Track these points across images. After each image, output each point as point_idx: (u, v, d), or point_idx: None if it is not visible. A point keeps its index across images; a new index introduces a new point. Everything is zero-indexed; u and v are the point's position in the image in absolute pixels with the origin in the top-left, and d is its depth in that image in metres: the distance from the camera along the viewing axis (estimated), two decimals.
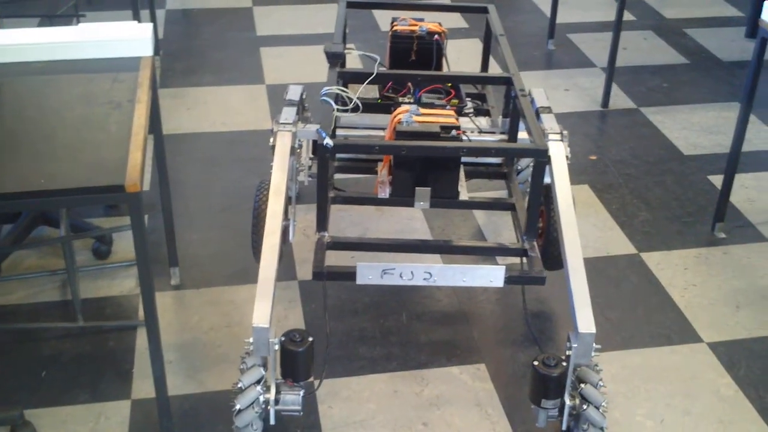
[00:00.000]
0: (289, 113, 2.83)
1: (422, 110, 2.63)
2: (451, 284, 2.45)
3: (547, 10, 5.08)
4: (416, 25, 3.12)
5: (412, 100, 3.00)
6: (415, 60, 3.10)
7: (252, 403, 2.18)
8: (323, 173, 2.51)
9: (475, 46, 4.81)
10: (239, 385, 2.18)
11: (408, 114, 2.59)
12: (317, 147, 2.47)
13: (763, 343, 2.83)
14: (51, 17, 4.51)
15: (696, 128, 4.13)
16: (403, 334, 2.83)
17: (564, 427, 2.30)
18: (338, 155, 2.96)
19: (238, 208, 3.43)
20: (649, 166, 3.80)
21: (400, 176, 2.59)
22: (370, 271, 2.39)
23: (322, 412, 2.53)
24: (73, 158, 2.04)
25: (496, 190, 3.50)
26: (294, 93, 2.97)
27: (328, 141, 2.42)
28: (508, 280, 2.42)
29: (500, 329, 2.87)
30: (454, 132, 2.55)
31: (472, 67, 4.43)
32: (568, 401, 2.23)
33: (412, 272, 2.39)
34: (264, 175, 3.60)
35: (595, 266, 3.13)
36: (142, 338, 2.75)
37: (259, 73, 4.57)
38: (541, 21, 5.18)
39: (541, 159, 2.51)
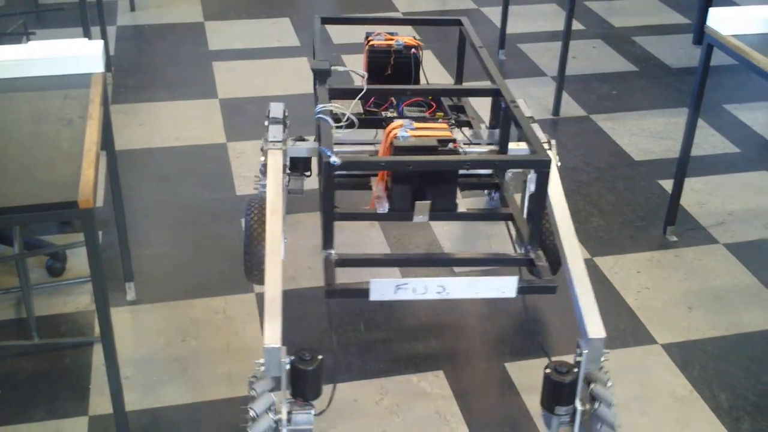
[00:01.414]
0: (276, 131, 2.86)
1: (416, 124, 2.62)
2: (463, 297, 2.44)
3: (497, 21, 5.14)
4: (392, 39, 3.14)
5: (395, 114, 3.01)
6: (393, 74, 3.11)
7: (265, 421, 2.17)
8: (328, 191, 2.48)
9: (429, 57, 4.84)
10: (251, 414, 2.16)
11: (403, 129, 2.59)
12: (322, 165, 2.43)
13: (715, 343, 2.88)
14: (0, 35, 4.47)
15: (646, 134, 4.20)
16: (361, 343, 2.84)
17: None
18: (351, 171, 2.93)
19: (193, 222, 3.42)
20: (600, 173, 3.85)
21: (399, 191, 2.58)
22: (384, 287, 2.35)
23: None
24: (26, 176, 2.02)
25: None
26: (277, 110, 2.99)
27: (334, 159, 2.40)
28: (520, 290, 2.40)
29: (458, 336, 2.89)
30: (450, 145, 2.56)
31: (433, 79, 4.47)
32: (579, 407, 2.25)
33: (425, 286, 2.36)
34: (221, 190, 3.63)
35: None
36: (98, 354, 2.73)
37: (212, 87, 4.57)
38: (491, 32, 5.24)
39: (545, 169, 2.52)
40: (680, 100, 4.52)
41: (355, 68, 3.07)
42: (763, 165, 3.95)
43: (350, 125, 2.77)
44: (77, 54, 2.49)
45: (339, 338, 2.86)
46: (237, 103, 4.40)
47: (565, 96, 4.42)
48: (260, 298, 3.01)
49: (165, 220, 3.44)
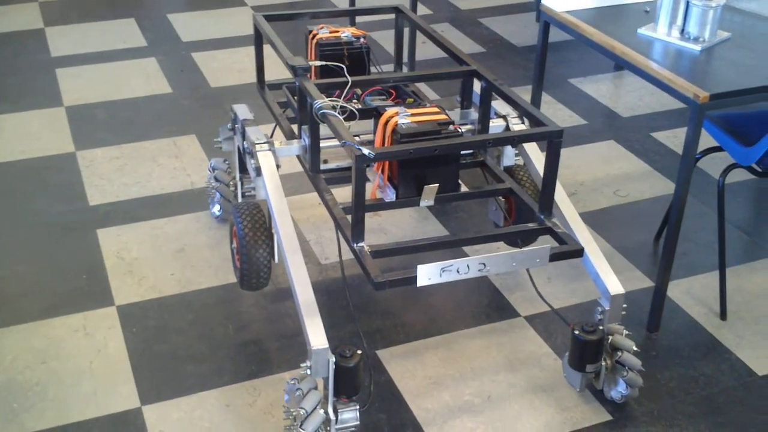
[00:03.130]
0: (256, 132, 2.85)
1: (410, 110, 2.60)
2: (503, 271, 2.53)
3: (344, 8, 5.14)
4: (337, 31, 3.11)
5: (359, 105, 2.96)
6: (347, 65, 3.06)
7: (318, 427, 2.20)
8: (361, 184, 2.41)
9: None
10: (302, 412, 2.18)
11: (401, 116, 2.55)
12: (357, 159, 2.35)
13: (574, 310, 2.98)
14: None
15: None
16: (231, 346, 2.80)
17: (601, 387, 2.55)
18: (324, 167, 2.86)
19: (45, 237, 3.30)
20: None
21: (406, 177, 2.57)
22: (430, 271, 2.35)
23: None
24: None
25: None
26: (244, 112, 2.99)
27: (369, 152, 2.34)
28: (552, 257, 2.48)
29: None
30: (450, 127, 2.56)
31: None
32: (604, 362, 2.48)
33: (468, 265, 2.39)
34: (73, 201, 3.50)
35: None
36: None
37: (57, 95, 4.41)
38: (336, 21, 5.24)
39: (558, 138, 2.52)
40: (528, 78, 4.63)
41: (328, 63, 3.03)
42: (610, 135, 4.10)
43: (349, 117, 2.76)
44: None
45: (208, 342, 2.81)
46: (84, 109, 4.26)
47: None
48: (121, 311, 2.93)
49: (16, 238, 3.31)
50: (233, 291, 3.03)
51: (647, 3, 3.20)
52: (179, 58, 4.84)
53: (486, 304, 3.01)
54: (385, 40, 5.03)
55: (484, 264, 2.40)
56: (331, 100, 2.68)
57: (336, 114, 2.58)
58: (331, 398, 2.28)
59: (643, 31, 2.93)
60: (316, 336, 2.23)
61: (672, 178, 3.72)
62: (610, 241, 3.32)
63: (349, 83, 2.82)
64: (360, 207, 2.44)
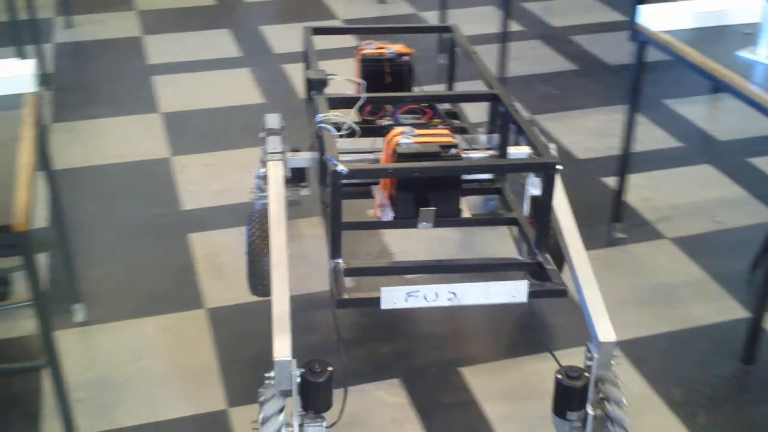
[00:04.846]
0: (275, 142, 2.85)
1: (417, 131, 2.59)
2: (474, 303, 2.42)
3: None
4: (384, 48, 3.12)
5: (392, 122, 2.98)
6: (388, 82, 3.08)
7: None
8: (336, 201, 2.44)
9: None
10: (261, 416, 2.15)
11: (405, 135, 2.57)
12: (329, 175, 2.39)
13: (666, 338, 2.91)
14: None
15: (588, 132, 4.24)
16: (316, 354, 2.81)
17: None
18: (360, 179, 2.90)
19: (140, 239, 3.38)
20: None
21: (403, 198, 2.56)
22: (395, 295, 2.33)
23: None
24: None
25: None
26: (274, 121, 2.99)
27: (341, 167, 2.37)
28: (531, 294, 2.39)
29: (412, 342, 2.89)
30: (453, 151, 2.53)
31: None
32: (591, 411, 2.25)
33: (436, 293, 2.34)
34: (167, 205, 3.58)
35: (499, 275, 3.17)
36: (49, 379, 2.67)
37: (154, 101, 4.51)
38: (431, 36, 5.25)
39: (552, 171, 2.50)
40: (620, 97, 4.57)
41: (351, 77, 3.05)
42: (705, 158, 4.01)
43: (351, 134, 2.76)
44: (7, 75, 2.45)
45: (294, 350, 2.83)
46: (179, 116, 4.36)
47: None
48: (211, 314, 2.98)
49: (112, 238, 3.39)
50: (319, 298, 3.05)
51: (748, 25, 3.13)
52: (272, 70, 4.91)
53: (574, 326, 2.97)
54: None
55: (454, 293, 2.34)
56: (334, 115, 2.68)
57: (330, 128, 2.58)
58: (296, 411, 2.22)
59: (743, 53, 2.86)
60: (281, 348, 2.17)
61: None
62: (705, 268, 3.24)
63: (362, 99, 2.80)
64: (337, 223, 2.44)
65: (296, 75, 4.83)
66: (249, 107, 4.47)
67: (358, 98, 2.82)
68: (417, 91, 3.20)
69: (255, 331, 2.90)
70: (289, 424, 2.16)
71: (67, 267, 2.87)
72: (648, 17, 3.02)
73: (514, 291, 2.37)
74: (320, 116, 2.63)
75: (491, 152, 2.94)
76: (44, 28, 5.26)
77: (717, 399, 2.67)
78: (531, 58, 5.10)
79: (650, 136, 4.19)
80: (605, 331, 2.27)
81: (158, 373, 2.73)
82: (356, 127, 2.76)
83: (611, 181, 3.69)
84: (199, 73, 4.86)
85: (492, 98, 2.91)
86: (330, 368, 2.20)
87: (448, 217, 2.59)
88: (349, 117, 2.74)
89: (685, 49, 2.89)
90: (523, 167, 2.75)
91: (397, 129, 2.59)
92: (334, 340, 2.87)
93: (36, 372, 2.71)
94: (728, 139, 4.19)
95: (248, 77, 4.81)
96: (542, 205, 2.51)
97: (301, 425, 2.22)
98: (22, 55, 4.03)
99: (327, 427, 2.23)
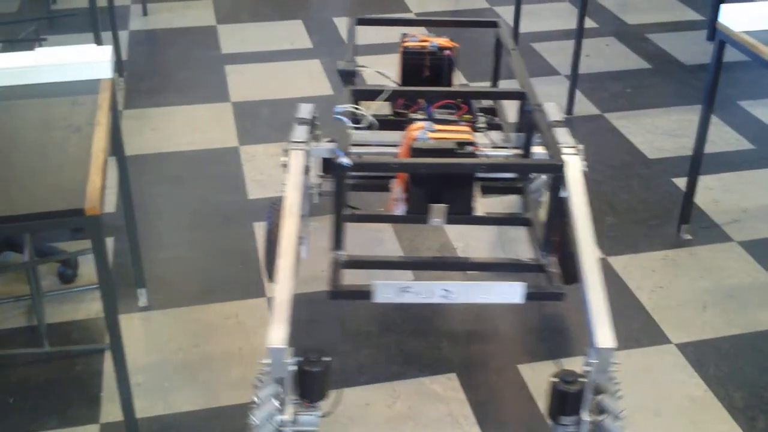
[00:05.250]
0: (301, 131, 2.84)
1: (437, 126, 2.61)
2: (470, 301, 2.42)
3: (510, 20, 5.11)
4: (427, 41, 3.12)
5: (424, 116, 2.97)
6: (427, 75, 3.09)
7: (269, 419, 2.16)
8: (339, 192, 2.47)
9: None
10: (256, 401, 2.16)
11: (423, 131, 2.57)
12: (333, 166, 2.43)
13: (730, 341, 2.86)
14: (12, 42, 4.48)
15: (659, 132, 4.16)
16: (373, 346, 2.83)
17: None
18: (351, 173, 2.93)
19: (205, 226, 3.42)
20: (614, 171, 3.82)
21: (416, 193, 2.57)
22: (388, 289, 2.36)
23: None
24: (33, 183, 2.02)
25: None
26: (305, 111, 2.98)
27: (345, 160, 2.38)
28: (527, 296, 2.39)
29: (469, 337, 2.88)
30: (469, 148, 2.54)
31: None
32: (586, 418, 2.19)
33: (430, 290, 2.36)
34: (234, 193, 3.62)
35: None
36: (109, 361, 2.70)
37: (225, 90, 4.57)
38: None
39: (557, 174, 2.50)
40: (694, 97, 4.48)
41: (381, 69, 3.05)
42: None
43: (371, 126, 2.75)
44: (85, 60, 2.49)
45: (350, 339, 2.85)
46: (250, 106, 4.40)
47: (578, 95, 4.39)
48: (271, 303, 3.00)
49: (177, 224, 3.45)
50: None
51: None
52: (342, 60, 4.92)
53: (637, 327, 2.92)
54: (548, 52, 5.00)
55: (448, 290, 2.33)
56: (353, 107, 2.68)
57: (345, 120, 2.57)
58: (289, 399, 2.21)
59: None
60: (276, 335, 2.16)
61: None
62: None
63: (384, 92, 2.79)
64: (339, 215, 2.45)
65: (371, 65, 4.83)
66: (318, 98, 4.47)
67: (382, 91, 2.81)
68: (458, 85, 3.18)
69: (314, 320, 2.92)
70: (281, 411, 2.16)
71: (133, 252, 2.92)
72: (729, 17, 2.95)
73: (509, 292, 2.38)
74: (339, 108, 2.63)
75: (517, 151, 2.92)
76: (121, 15, 5.35)
77: None
78: (605, 56, 5.03)
79: (722, 138, 4.10)
80: (605, 337, 2.19)
81: (217, 359, 2.76)
82: (374, 120, 2.74)
83: (681, 182, 3.62)
84: (271, 64, 4.90)
85: (519, 97, 2.89)
86: (327, 359, 2.20)
87: (460, 214, 2.58)
88: (371, 110, 2.73)
89: (766, 50, 2.82)
90: (528, 168, 2.71)
91: (418, 123, 2.59)
92: (360, 332, 2.88)
93: (98, 354, 2.77)
94: None
95: (319, 69, 4.84)
96: (549, 207, 2.48)
97: (294, 413, 2.21)
98: (99, 41, 4.11)
99: (321, 417, 2.24)
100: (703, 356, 2.79)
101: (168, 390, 2.65)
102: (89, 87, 2.44)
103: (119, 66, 4.70)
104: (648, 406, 2.60)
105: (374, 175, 2.97)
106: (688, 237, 3.37)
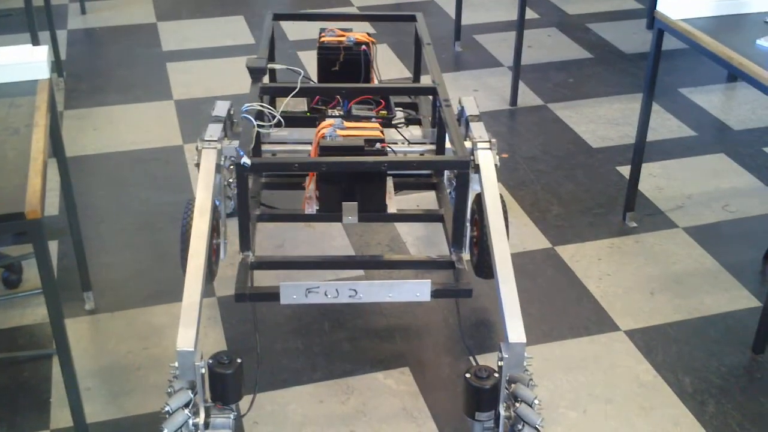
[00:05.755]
0: (214, 130, 2.78)
1: (347, 123, 2.59)
2: (377, 300, 2.41)
3: (452, 12, 5.13)
4: (344, 35, 3.08)
5: (341, 113, 2.95)
6: (343, 71, 3.05)
7: (181, 428, 2.10)
8: (242, 192, 2.45)
9: (385, 52, 4.82)
10: (166, 409, 2.11)
11: (332, 128, 2.55)
12: (236, 166, 2.40)
13: (678, 327, 2.90)
14: None
15: (602, 121, 4.21)
16: (326, 343, 2.82)
17: None
18: (265, 172, 2.89)
19: (151, 227, 3.38)
20: (559, 161, 3.86)
21: (327, 191, 2.55)
22: (294, 290, 2.34)
23: (248, 429, 2.50)
24: None
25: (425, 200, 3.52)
26: (221, 109, 2.92)
27: (245, 160, 2.36)
28: (435, 293, 2.40)
29: (422, 332, 2.88)
30: (378, 145, 2.52)
31: (388, 74, 4.45)
32: (503, 411, 2.19)
33: (337, 290, 2.35)
34: (179, 193, 3.58)
35: (512, 262, 3.15)
36: (58, 366, 2.67)
37: (167, 88, 4.51)
38: (446, 23, 5.23)
39: (463, 170, 2.50)
40: (636, 86, 4.54)
41: (292, 66, 3.02)
42: (720, 147, 3.98)
43: (279, 124, 2.72)
44: (21, 61, 2.44)
45: (303, 338, 2.83)
46: (193, 104, 4.35)
47: (521, 86, 4.42)
48: (221, 302, 2.98)
49: (122, 226, 3.40)
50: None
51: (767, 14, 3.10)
52: (285, 57, 4.90)
53: (586, 316, 2.95)
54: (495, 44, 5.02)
55: (355, 290, 2.34)
56: (260, 105, 2.65)
57: (250, 118, 2.55)
58: (202, 402, 2.19)
59: (762, 42, 2.83)
60: (185, 338, 2.14)
61: None
62: (717, 257, 3.22)
63: (296, 89, 2.76)
64: (244, 215, 2.43)
65: (310, 62, 4.81)
66: None
67: (294, 88, 2.79)
68: (376, 81, 3.16)
69: (263, 320, 2.90)
70: (194, 415, 2.12)
71: (78, 254, 2.88)
72: (667, 5, 2.99)
73: (417, 290, 2.38)
74: (246, 105, 2.61)
75: (432, 147, 2.90)
76: (59, 14, 5.26)
77: (727, 388, 2.65)
78: (547, 46, 5.07)
79: (665, 125, 4.16)
80: (516, 332, 2.20)
81: (168, 361, 2.72)
82: (280, 118, 2.70)
83: (625, 170, 3.67)
84: (213, 60, 4.86)
85: (431, 92, 2.88)
86: (238, 360, 2.17)
87: (373, 212, 2.58)
88: (282, 108, 2.70)
89: (704, 37, 2.86)
90: (434, 165, 2.70)
91: (327, 121, 2.58)
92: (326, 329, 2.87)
93: (46, 360, 2.73)
94: (743, 129, 4.15)
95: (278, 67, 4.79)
96: (456, 203, 2.48)
97: (208, 416, 2.19)
98: (36, 42, 4.03)
99: (234, 419, 2.21)
100: (651, 342, 2.83)
101: (118, 394, 2.61)
102: (27, 88, 2.40)
103: (58, 66, 4.62)
104: (599, 394, 2.63)
105: (287, 174, 2.93)
106: (634, 224, 3.41)
